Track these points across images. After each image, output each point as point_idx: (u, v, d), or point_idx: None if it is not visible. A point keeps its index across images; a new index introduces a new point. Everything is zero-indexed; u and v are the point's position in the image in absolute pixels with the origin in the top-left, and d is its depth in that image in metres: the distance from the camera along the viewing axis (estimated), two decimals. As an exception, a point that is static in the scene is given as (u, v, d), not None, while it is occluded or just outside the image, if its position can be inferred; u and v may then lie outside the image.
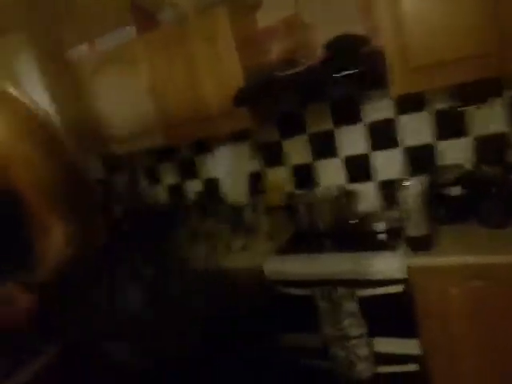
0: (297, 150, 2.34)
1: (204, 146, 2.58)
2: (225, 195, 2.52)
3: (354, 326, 1.75)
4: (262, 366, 1.88)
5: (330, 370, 1.85)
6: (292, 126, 2.32)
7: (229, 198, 2.49)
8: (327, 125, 2.23)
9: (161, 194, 2.85)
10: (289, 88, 1.98)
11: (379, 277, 1.68)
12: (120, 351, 1.48)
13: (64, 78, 2.47)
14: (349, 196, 2.22)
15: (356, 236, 2.02)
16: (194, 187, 2.71)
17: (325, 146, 2.27)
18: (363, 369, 1.78)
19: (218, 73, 2.06)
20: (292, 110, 2.27)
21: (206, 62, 2.08)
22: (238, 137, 2.40)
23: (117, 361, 1.45)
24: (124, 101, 2.37)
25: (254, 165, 2.43)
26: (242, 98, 1.90)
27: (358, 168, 2.23)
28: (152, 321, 1.56)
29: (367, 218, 2.10)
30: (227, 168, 2.46)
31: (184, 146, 2.66)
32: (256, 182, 2.41)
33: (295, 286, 1.85)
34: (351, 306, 1.73)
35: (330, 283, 1.75)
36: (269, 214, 2.27)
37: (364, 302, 1.71)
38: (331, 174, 2.30)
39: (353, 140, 2.19)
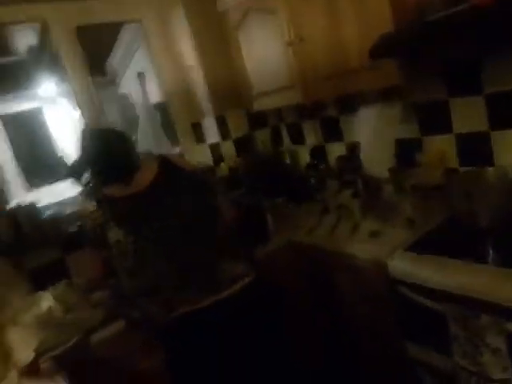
0: (467, 115, 1.77)
1: (350, 105, 2.20)
2: (364, 165, 2.12)
3: (496, 366, 1.27)
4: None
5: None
6: (462, 83, 1.74)
7: (368, 169, 2.09)
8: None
9: (303, 154, 2.62)
10: (460, 33, 1.45)
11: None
12: None
13: (211, 32, 2.39)
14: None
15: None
16: (335, 151, 2.39)
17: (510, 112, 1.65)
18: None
19: (362, 17, 1.65)
20: (463, 62, 1.69)
21: (349, 6, 1.68)
22: (388, 95, 1.95)
23: None
24: (265, 54, 2.18)
25: (405, 131, 1.95)
26: (384, 46, 1.46)
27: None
28: None
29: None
30: (371, 132, 2.05)
31: (329, 104, 2.33)
32: (406, 152, 1.94)
33: (424, 294, 1.44)
34: (497, 341, 1.24)
35: (470, 304, 1.29)
36: (416, 196, 1.82)
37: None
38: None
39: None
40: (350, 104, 2.19)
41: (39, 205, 2.15)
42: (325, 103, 2.35)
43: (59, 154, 4.01)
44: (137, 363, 1.56)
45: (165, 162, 1.47)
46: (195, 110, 2.54)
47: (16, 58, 3.75)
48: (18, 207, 2.00)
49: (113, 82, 4.65)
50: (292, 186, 2.40)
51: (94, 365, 1.48)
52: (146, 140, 2.68)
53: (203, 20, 2.38)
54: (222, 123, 2.47)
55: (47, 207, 2.22)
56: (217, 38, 2.39)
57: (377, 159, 2.02)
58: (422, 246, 1.57)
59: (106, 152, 1.39)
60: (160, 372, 1.55)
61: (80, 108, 2.31)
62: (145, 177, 1.41)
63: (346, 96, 2.09)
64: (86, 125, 1.46)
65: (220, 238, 1.47)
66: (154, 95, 2.70)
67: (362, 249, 1.69)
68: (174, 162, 1.48)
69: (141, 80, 2.84)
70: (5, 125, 3.61)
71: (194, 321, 1.34)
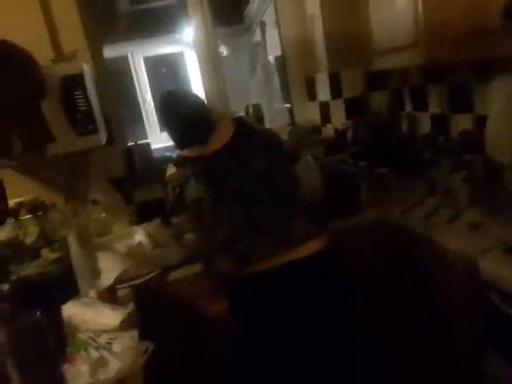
0: None
1: (485, 72, 1.84)
2: (487, 144, 1.78)
3: None
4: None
5: None
6: None
7: (490, 149, 1.75)
8: None
9: (424, 123, 2.33)
10: None
11: None
12: None
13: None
14: None
15: None
16: (461, 124, 2.06)
17: None
18: None
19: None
20: None
21: None
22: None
23: None
24: (393, 6, 1.92)
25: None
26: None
27: None
28: None
29: None
30: (503, 107, 1.70)
31: (461, 68, 1.99)
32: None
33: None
34: None
35: None
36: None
37: None
38: None
39: None
40: (485, 70, 1.84)
41: (158, 146, 2.37)
42: (456, 67, 2.02)
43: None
44: (205, 307, 1.67)
45: (241, 124, 1.48)
46: (311, 65, 2.42)
47: (163, 3, 3.99)
48: (135, 145, 2.22)
49: (249, 30, 4.70)
50: (402, 157, 2.18)
51: (166, 300, 1.63)
52: (261, 93, 2.67)
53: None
54: (335, 80, 2.31)
55: (164, 149, 2.42)
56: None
57: (504, 139, 1.69)
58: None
59: (181, 117, 1.45)
60: (225, 319, 1.65)
61: (198, 58, 2.40)
62: (222, 137, 1.44)
63: (481, 61, 1.76)
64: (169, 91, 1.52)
65: (297, 198, 1.47)
66: (274, 46, 2.64)
67: (456, 240, 1.48)
68: (250, 125, 1.47)
69: (262, 29, 2.79)
70: (147, 67, 3.95)
71: (266, 280, 1.35)
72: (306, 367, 1.36)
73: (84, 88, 1.53)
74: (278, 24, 2.52)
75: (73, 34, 1.85)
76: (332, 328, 1.39)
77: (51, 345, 0.88)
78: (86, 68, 1.66)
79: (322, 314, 1.38)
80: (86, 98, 1.54)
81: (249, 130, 1.48)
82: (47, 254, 1.58)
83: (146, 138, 3.50)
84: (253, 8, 4.88)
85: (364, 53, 2.21)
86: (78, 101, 1.53)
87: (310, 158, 1.89)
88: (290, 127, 2.46)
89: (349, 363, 1.44)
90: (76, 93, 1.52)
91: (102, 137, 1.68)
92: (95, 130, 1.59)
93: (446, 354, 1.65)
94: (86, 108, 1.55)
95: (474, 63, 1.88)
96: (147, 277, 1.63)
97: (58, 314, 1.09)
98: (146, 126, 3.88)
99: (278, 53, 2.61)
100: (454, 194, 1.73)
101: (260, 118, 2.40)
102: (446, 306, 1.57)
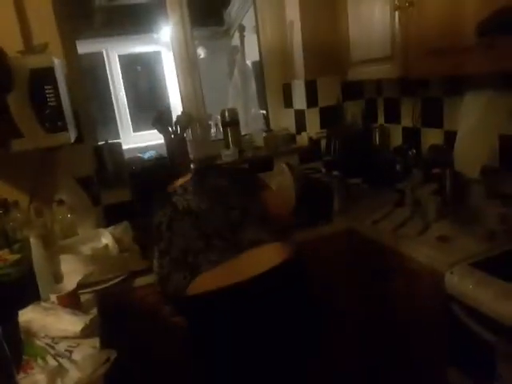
0: None
1: (458, 86, 1.89)
2: (456, 159, 1.83)
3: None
4: None
5: None
6: None
7: (459, 164, 1.79)
8: None
9: (395, 135, 2.37)
10: None
11: None
12: None
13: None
14: None
15: None
16: (431, 138, 2.11)
17: None
18: None
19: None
20: None
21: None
22: (503, 82, 1.63)
23: None
24: (371, 18, 1.96)
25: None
26: (497, 21, 1.19)
27: None
28: None
29: None
30: (472, 123, 1.74)
31: (434, 81, 2.04)
32: (509, 152, 1.62)
33: (478, 320, 1.23)
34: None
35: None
36: (509, 206, 1.53)
37: None
38: None
39: None
40: (457, 86, 1.89)
41: (131, 147, 2.31)
42: (429, 81, 2.07)
43: (166, 103, 4.16)
44: (169, 315, 1.62)
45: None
46: (288, 71, 2.43)
47: (141, 0, 3.92)
48: (105, 144, 2.15)
49: (228, 33, 4.69)
50: (374, 168, 2.21)
51: (130, 307, 1.58)
52: (237, 97, 2.65)
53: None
54: (311, 88, 2.32)
55: (136, 150, 2.36)
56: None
57: (472, 155, 1.73)
58: (493, 266, 1.33)
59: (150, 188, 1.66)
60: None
61: (175, 59, 2.36)
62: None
63: (453, 76, 1.81)
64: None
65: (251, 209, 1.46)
66: (252, 51, 2.63)
67: (423, 253, 1.50)
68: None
69: (240, 33, 2.78)
70: (122, 65, 3.86)
71: (214, 302, 1.29)
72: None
73: (54, 82, 1.47)
74: (256, 29, 2.51)
75: (45, 26, 1.76)
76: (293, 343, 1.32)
77: (6, 352, 0.83)
78: (57, 62, 1.60)
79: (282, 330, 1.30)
80: (56, 93, 1.47)
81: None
82: (6, 255, 1.50)
83: (119, 138, 3.41)
84: (232, 11, 4.87)
85: (341, 62, 2.24)
86: (48, 96, 1.46)
87: (284, 165, 1.88)
88: (265, 133, 2.45)
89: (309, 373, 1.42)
90: (46, 87, 1.45)
91: (71, 134, 1.62)
92: (64, 127, 1.52)
93: (409, 366, 1.68)
94: (55, 104, 1.48)
95: (447, 78, 1.93)
96: (112, 282, 1.57)
97: (15, 319, 1.03)
98: (119, 126, 3.79)
99: (256, 58, 2.61)
100: (424, 207, 1.76)
101: (236, 121, 2.38)
102: (411, 319, 1.59)
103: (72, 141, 1.64)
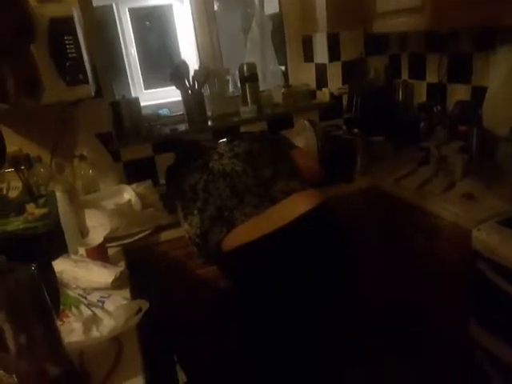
0: None
1: (490, 41, 1.80)
2: (484, 116, 1.77)
3: None
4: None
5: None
6: None
7: (487, 121, 1.74)
8: None
9: (420, 92, 2.30)
10: None
11: None
12: None
13: None
14: None
15: None
16: (458, 94, 2.04)
17: None
18: None
19: None
20: None
21: None
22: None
23: None
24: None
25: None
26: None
27: None
28: None
29: None
30: (503, 79, 1.67)
31: (464, 35, 1.95)
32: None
33: (505, 276, 1.23)
34: None
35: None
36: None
37: None
38: None
39: None
40: (488, 40, 1.80)
41: (146, 103, 2.26)
42: (459, 34, 1.97)
43: (180, 58, 4.05)
44: (195, 268, 1.65)
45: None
46: (309, 24, 2.33)
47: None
48: (123, 99, 2.12)
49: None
50: (397, 126, 2.16)
51: (156, 260, 1.60)
52: (255, 51, 2.56)
53: None
54: (333, 42, 2.23)
55: (149, 108, 2.32)
56: None
57: (502, 112, 1.68)
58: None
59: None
60: (215, 280, 1.64)
61: (192, 15, 2.27)
62: None
63: (486, 29, 1.72)
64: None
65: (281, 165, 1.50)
66: (271, 3, 2.51)
67: (448, 210, 1.49)
68: None
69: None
70: (132, 19, 3.73)
71: (251, 251, 1.33)
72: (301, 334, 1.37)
73: (74, 33, 1.42)
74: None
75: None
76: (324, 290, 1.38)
77: (46, 300, 0.84)
78: (75, 12, 1.54)
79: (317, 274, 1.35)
80: (77, 44, 1.43)
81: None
82: (33, 210, 1.51)
83: (130, 94, 3.35)
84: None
85: (366, 13, 2.13)
86: (68, 47, 1.42)
87: (306, 122, 1.84)
88: (284, 89, 2.39)
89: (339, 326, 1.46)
90: (66, 38, 1.41)
91: (92, 87, 1.59)
92: (85, 80, 1.50)
93: (430, 320, 1.70)
94: (75, 55, 1.44)
95: (478, 32, 1.84)
96: (138, 236, 1.59)
97: (51, 268, 1.05)
98: (130, 83, 3.71)
99: (276, 10, 2.50)
100: (449, 164, 1.73)
101: (255, 76, 2.31)
102: (434, 273, 1.60)
103: (93, 94, 1.62)
